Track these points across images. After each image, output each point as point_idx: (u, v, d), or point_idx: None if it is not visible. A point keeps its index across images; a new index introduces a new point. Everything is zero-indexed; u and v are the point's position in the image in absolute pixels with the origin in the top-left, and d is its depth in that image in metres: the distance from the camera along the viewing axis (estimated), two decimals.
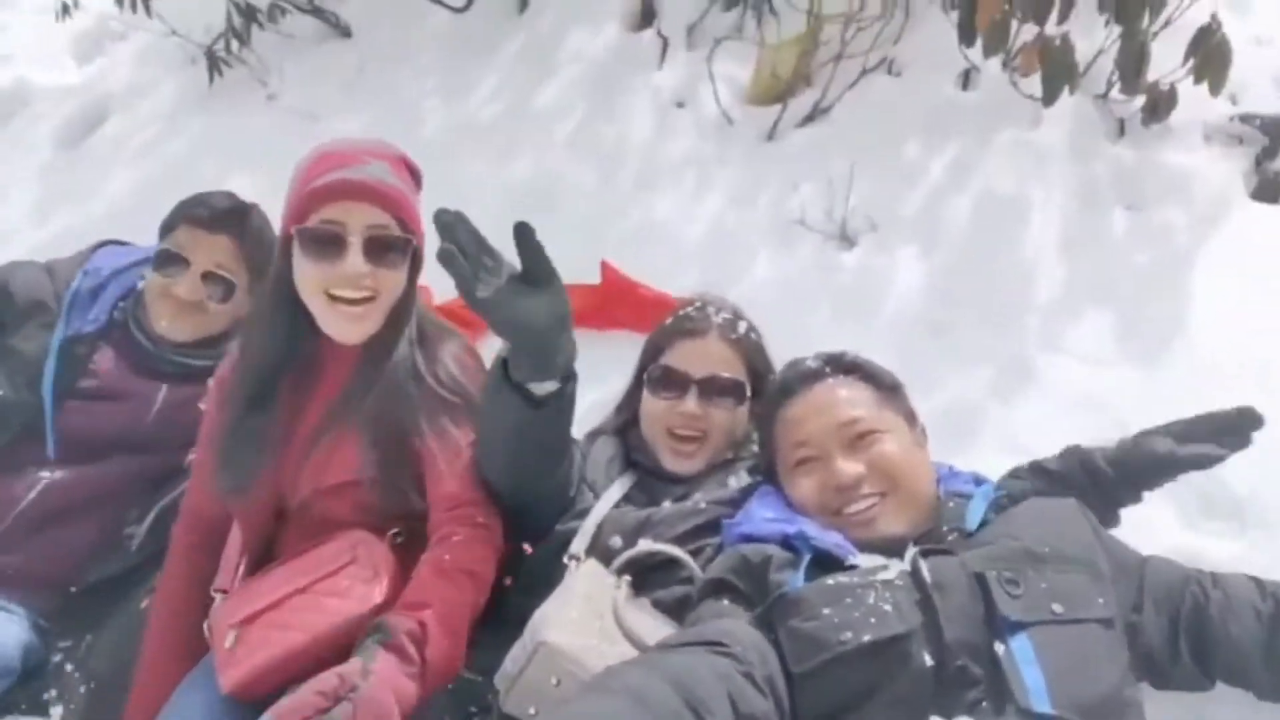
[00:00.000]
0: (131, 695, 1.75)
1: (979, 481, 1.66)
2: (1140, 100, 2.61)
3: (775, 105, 2.98)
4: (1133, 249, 2.48)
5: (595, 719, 1.16)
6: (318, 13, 3.88)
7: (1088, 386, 2.21)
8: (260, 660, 1.55)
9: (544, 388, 1.57)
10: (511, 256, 1.51)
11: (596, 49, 3.40)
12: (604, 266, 2.55)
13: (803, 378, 1.67)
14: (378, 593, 1.58)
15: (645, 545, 1.67)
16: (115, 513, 2.05)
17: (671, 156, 3.00)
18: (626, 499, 1.79)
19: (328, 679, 1.40)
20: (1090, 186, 2.61)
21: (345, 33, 3.90)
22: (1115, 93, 2.66)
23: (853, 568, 1.44)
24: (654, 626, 1.56)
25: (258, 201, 2.18)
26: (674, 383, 1.83)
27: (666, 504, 1.75)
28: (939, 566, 1.40)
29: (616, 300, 2.51)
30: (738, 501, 1.70)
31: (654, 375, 1.86)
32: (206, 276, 2.10)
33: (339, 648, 1.51)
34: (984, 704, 1.28)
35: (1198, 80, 2.44)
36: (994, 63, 2.74)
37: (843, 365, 1.68)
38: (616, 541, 1.69)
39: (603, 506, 1.76)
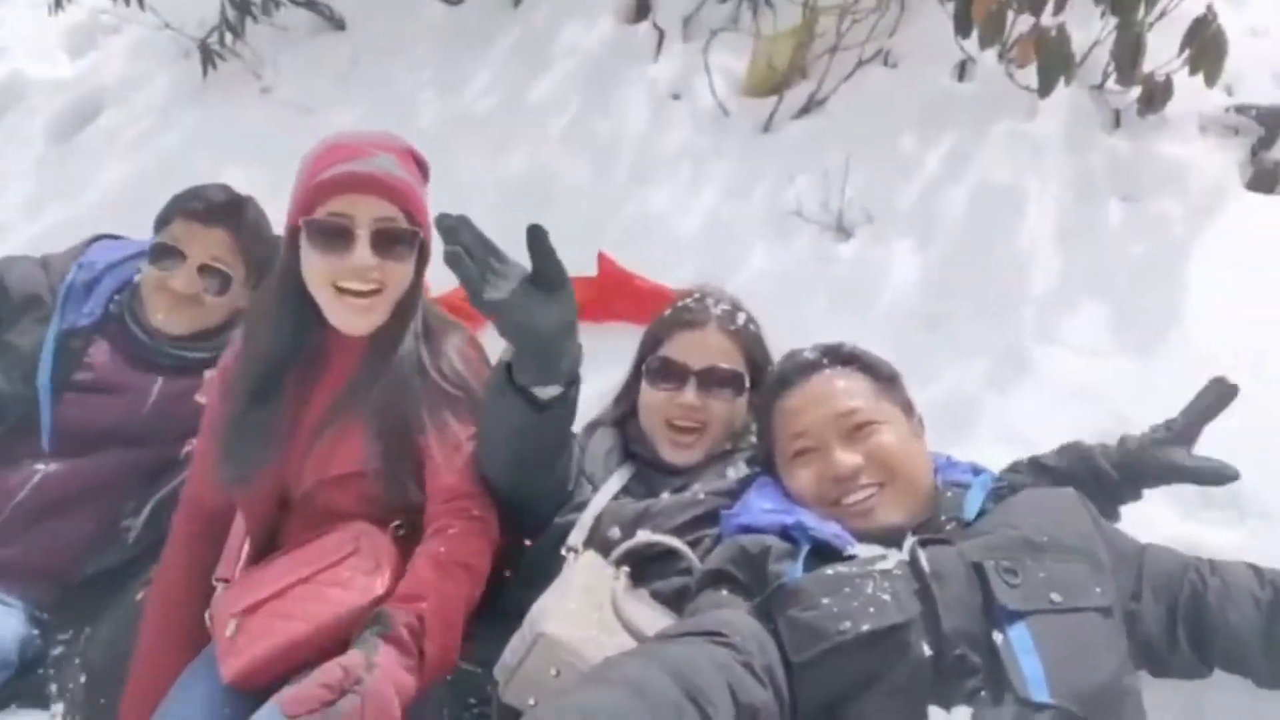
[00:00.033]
0: (128, 686, 1.75)
1: (977, 471, 1.67)
2: (1136, 91, 2.61)
3: (771, 97, 2.97)
4: (1128, 240, 2.48)
5: (594, 709, 1.16)
6: (312, 5, 3.86)
7: (1083, 377, 2.22)
8: (262, 649, 1.56)
9: (547, 392, 1.57)
10: (507, 249, 1.51)
11: (591, 41, 3.38)
12: (601, 258, 2.54)
13: (800, 369, 1.67)
14: (380, 584, 1.58)
15: (644, 536, 1.67)
16: (111, 505, 2.05)
17: (667, 148, 2.99)
18: (625, 490, 1.79)
19: (332, 671, 1.40)
20: (1086, 177, 2.61)
21: (339, 25, 3.87)
22: (1111, 84, 2.67)
23: (851, 558, 1.44)
24: (653, 617, 1.56)
25: (253, 194, 2.17)
26: (673, 374, 1.83)
27: (665, 495, 1.75)
28: (937, 556, 1.40)
29: (614, 292, 2.50)
30: (736, 492, 1.70)
31: (653, 366, 1.86)
32: (203, 269, 2.10)
33: (341, 638, 1.51)
34: (982, 693, 1.29)
35: (1193, 71, 2.44)
36: (990, 54, 2.73)
37: (840, 356, 1.68)
38: (615, 533, 1.70)
39: (601, 498, 1.76)
